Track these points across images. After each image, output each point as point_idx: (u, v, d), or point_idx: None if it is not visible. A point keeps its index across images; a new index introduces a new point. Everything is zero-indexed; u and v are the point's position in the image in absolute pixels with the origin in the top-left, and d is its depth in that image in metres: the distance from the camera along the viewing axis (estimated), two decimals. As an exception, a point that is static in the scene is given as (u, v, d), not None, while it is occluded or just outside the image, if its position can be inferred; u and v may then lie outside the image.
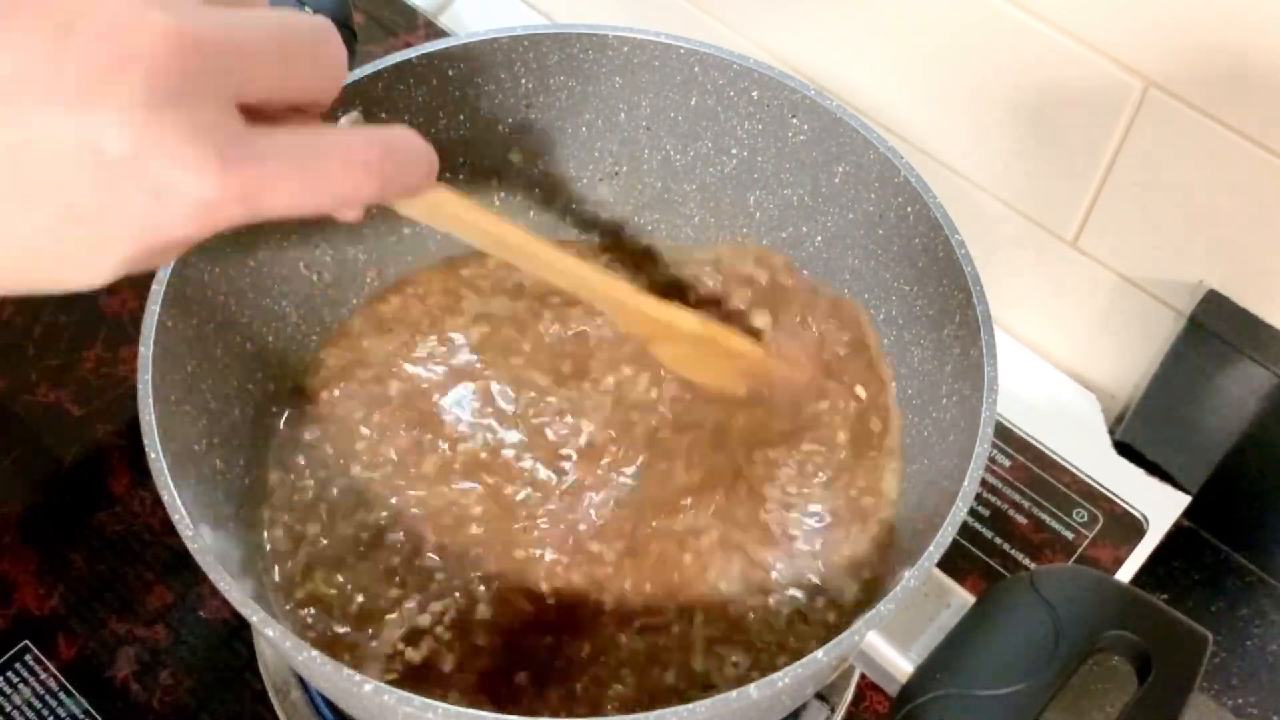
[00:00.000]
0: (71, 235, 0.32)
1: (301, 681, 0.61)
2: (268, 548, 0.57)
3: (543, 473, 0.59)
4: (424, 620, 0.55)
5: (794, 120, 0.59)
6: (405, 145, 0.38)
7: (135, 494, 0.67)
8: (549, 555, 0.56)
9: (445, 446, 0.59)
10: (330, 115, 0.38)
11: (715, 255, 0.66)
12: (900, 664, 0.46)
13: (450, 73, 0.60)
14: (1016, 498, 0.70)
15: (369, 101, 0.59)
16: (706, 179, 0.64)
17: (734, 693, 0.43)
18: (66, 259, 0.32)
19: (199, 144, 0.31)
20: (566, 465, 0.59)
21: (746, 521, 0.57)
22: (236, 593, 0.44)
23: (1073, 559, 0.68)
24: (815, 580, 0.56)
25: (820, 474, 0.59)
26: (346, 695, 0.46)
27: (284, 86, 0.34)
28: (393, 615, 0.55)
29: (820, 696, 0.61)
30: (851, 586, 0.56)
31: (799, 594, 0.56)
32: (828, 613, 0.55)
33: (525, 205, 0.66)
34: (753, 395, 0.61)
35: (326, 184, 0.35)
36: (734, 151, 0.62)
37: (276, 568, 0.56)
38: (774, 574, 0.56)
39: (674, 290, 0.65)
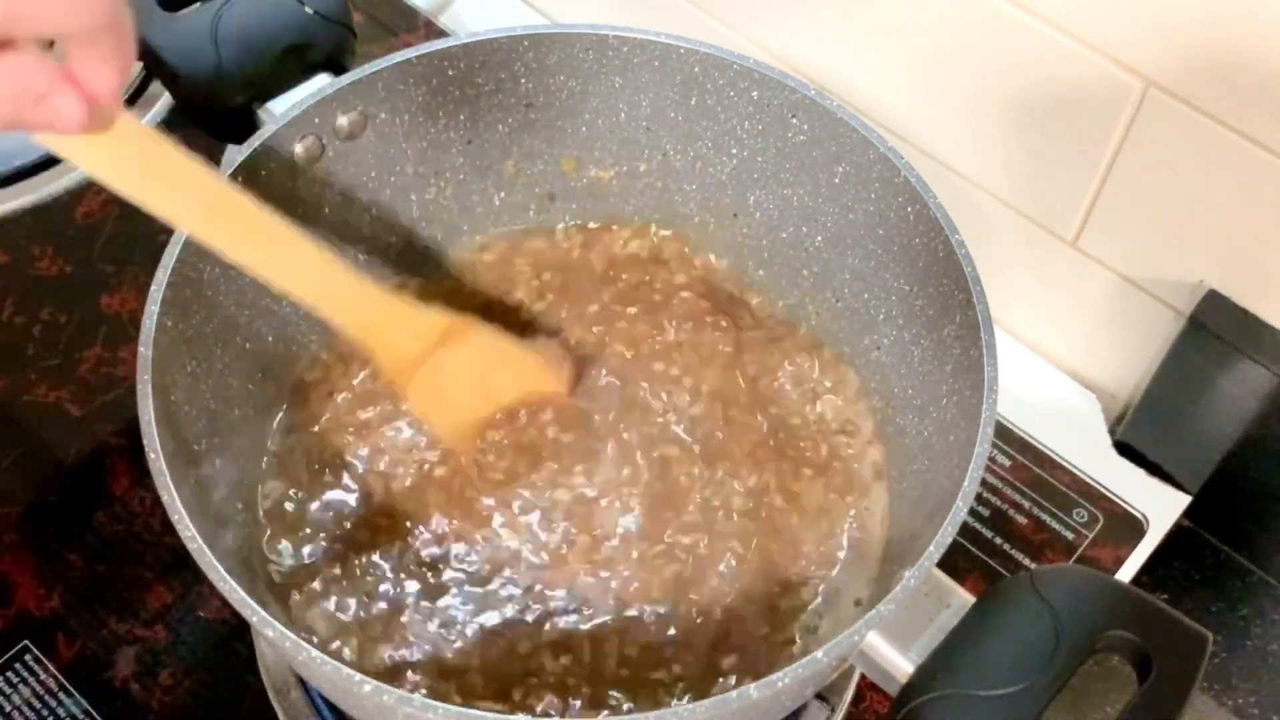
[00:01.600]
0: None
1: (301, 681, 0.61)
2: (267, 548, 0.57)
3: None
4: (422, 619, 0.55)
5: (794, 120, 0.59)
6: (20, 68, 0.36)
7: (135, 494, 0.67)
8: (548, 555, 0.56)
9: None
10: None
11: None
12: (900, 664, 0.46)
13: (450, 73, 0.60)
14: (1016, 498, 0.70)
15: (369, 101, 0.59)
16: (706, 179, 0.64)
17: (734, 693, 0.43)
18: None
19: None
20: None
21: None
22: (236, 593, 0.44)
23: (1073, 559, 0.68)
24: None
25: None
26: (346, 695, 0.46)
27: None
28: (392, 613, 0.55)
29: (820, 697, 0.61)
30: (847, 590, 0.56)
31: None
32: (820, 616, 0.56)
33: (525, 205, 0.66)
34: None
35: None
36: (734, 151, 0.62)
37: (276, 568, 0.56)
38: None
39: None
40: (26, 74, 0.35)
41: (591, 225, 0.67)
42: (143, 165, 0.43)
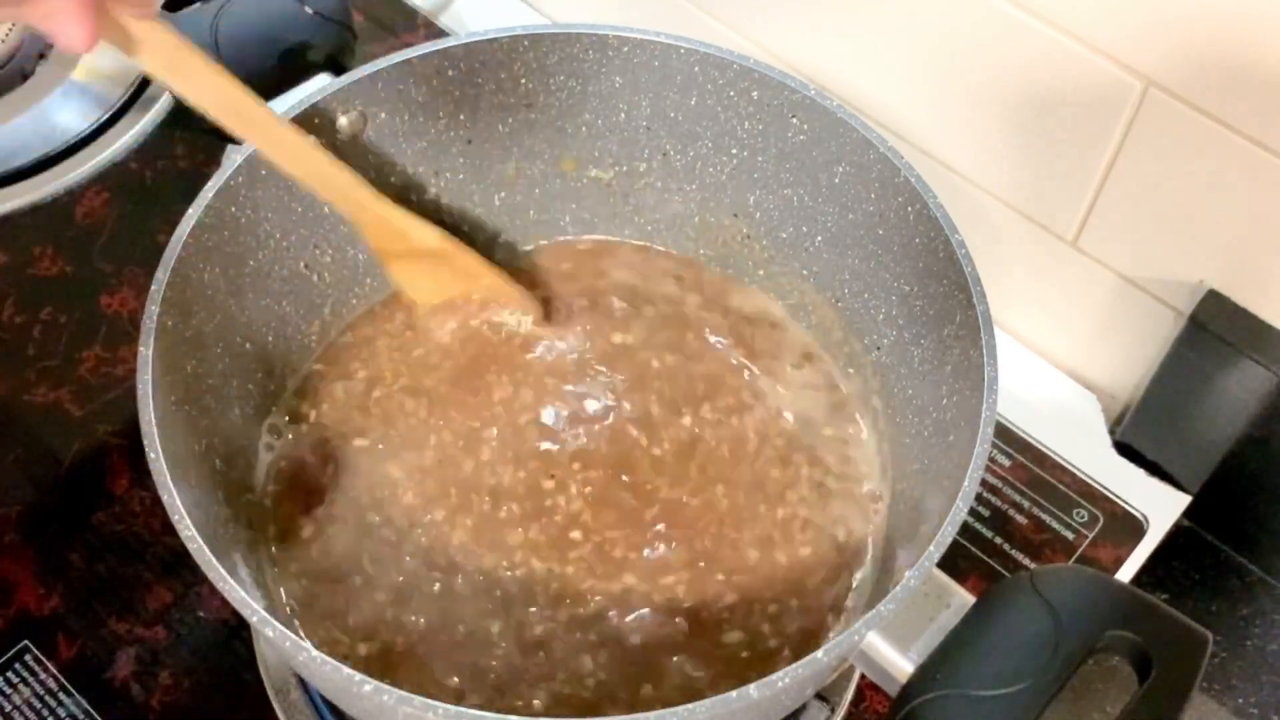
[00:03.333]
0: None
1: (301, 681, 0.61)
2: (268, 548, 0.57)
3: (539, 472, 0.59)
4: (420, 617, 0.55)
5: (794, 120, 0.59)
6: None
7: (135, 494, 0.67)
8: (542, 557, 0.57)
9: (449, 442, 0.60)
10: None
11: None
12: (900, 664, 0.46)
13: (450, 73, 0.60)
14: (1016, 498, 0.70)
15: (369, 101, 0.59)
16: (706, 179, 0.64)
17: (734, 693, 0.43)
18: None
19: None
20: (563, 468, 0.59)
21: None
22: (236, 593, 0.44)
23: (1073, 559, 0.68)
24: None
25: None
26: (346, 695, 0.46)
27: None
28: (391, 613, 0.55)
29: (820, 696, 0.61)
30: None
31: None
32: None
33: (525, 205, 0.66)
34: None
35: None
36: (734, 151, 0.62)
37: (277, 568, 0.56)
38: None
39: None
40: None
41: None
42: (171, 66, 0.49)
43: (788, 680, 0.43)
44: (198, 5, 0.61)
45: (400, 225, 0.57)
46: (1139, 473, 0.71)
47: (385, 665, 0.54)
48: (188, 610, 0.64)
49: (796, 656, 0.53)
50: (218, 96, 0.50)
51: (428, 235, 0.58)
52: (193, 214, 0.53)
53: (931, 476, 0.54)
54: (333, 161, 0.54)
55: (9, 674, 0.62)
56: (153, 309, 0.50)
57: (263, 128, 0.52)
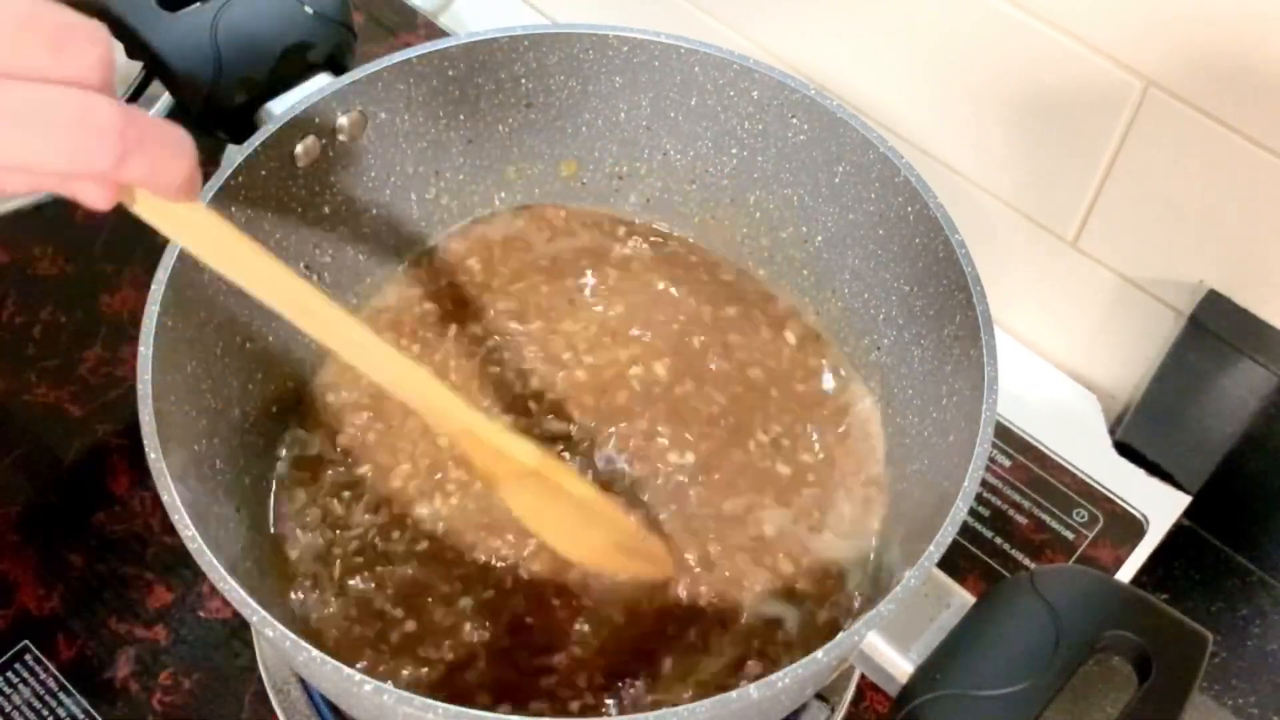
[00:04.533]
0: None
1: (301, 681, 0.61)
2: (267, 547, 0.57)
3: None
4: (418, 617, 0.55)
5: (794, 120, 0.59)
6: (161, 132, 0.36)
7: (135, 494, 0.67)
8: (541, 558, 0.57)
9: (446, 444, 0.59)
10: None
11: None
12: (900, 664, 0.46)
13: (450, 73, 0.60)
14: (1016, 498, 0.70)
15: (369, 101, 0.59)
16: (706, 179, 0.64)
17: (734, 693, 0.43)
18: None
19: None
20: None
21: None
22: (236, 592, 0.44)
23: (1073, 559, 0.68)
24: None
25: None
26: (346, 695, 0.46)
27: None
28: (390, 612, 0.55)
29: (820, 696, 0.61)
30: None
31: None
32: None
33: (525, 205, 0.66)
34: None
35: (55, 136, 0.34)
36: (734, 151, 0.62)
37: (277, 568, 0.56)
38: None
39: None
40: (125, 112, 0.35)
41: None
42: (218, 251, 0.42)
43: (787, 680, 0.43)
44: (197, 5, 0.61)
45: (489, 437, 0.48)
46: (1139, 473, 0.71)
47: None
48: (188, 610, 0.64)
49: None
50: (275, 290, 0.43)
51: (522, 451, 0.49)
52: (193, 214, 0.53)
53: (931, 476, 0.54)
54: (414, 366, 0.47)
55: (9, 674, 0.62)
56: (153, 309, 0.50)
57: (329, 324, 0.44)
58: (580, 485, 0.52)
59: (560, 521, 0.52)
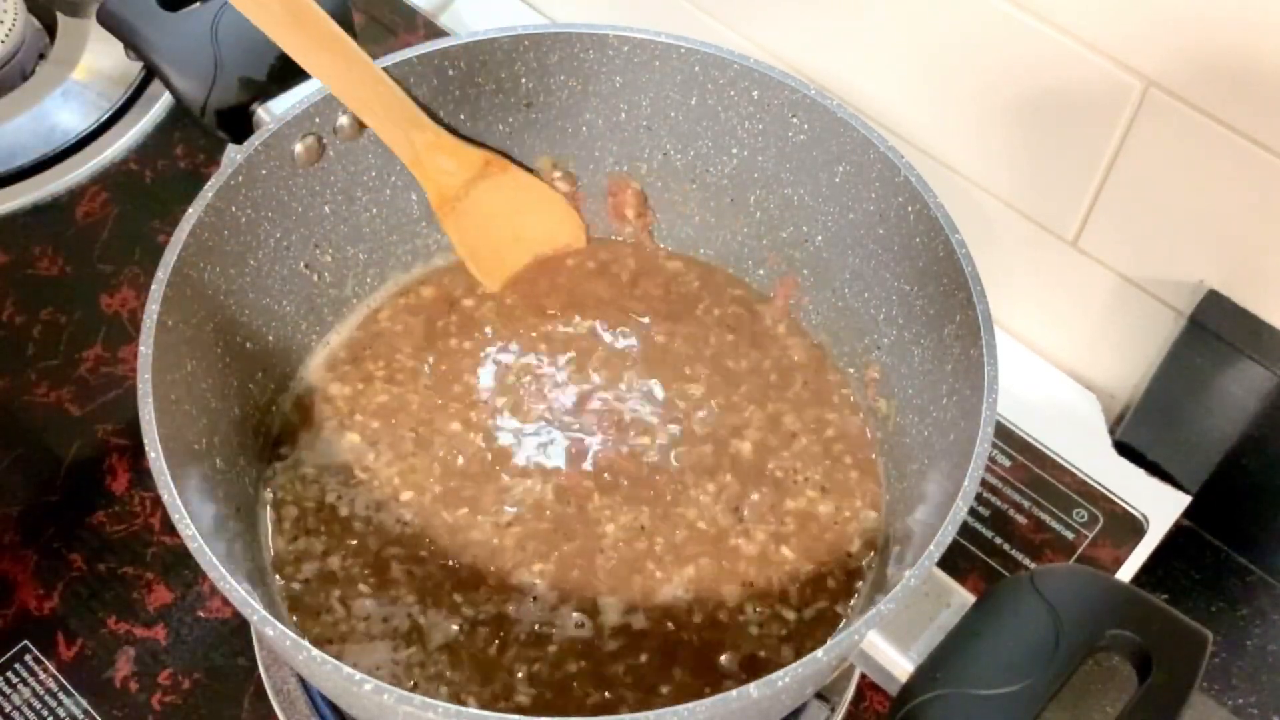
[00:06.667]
0: None
1: (301, 681, 0.61)
2: (268, 547, 0.57)
3: (543, 479, 0.59)
4: (416, 616, 0.55)
5: (794, 120, 0.59)
6: None
7: (135, 494, 0.67)
8: (541, 556, 0.57)
9: (445, 448, 0.59)
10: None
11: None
12: (900, 664, 0.46)
13: (450, 73, 0.60)
14: (1016, 498, 0.70)
15: (369, 101, 0.59)
16: (706, 179, 0.64)
17: (734, 692, 0.43)
18: None
19: None
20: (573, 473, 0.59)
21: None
22: (236, 592, 0.44)
23: (1073, 559, 0.68)
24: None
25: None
26: (346, 695, 0.46)
27: None
28: (390, 611, 0.55)
29: (820, 696, 0.61)
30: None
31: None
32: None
33: (525, 205, 0.66)
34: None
35: None
36: (734, 151, 0.62)
37: (277, 568, 0.56)
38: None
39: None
40: None
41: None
42: None
43: (787, 680, 0.43)
44: (197, 5, 0.61)
45: (450, 143, 0.60)
46: (1139, 473, 0.71)
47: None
48: (188, 610, 0.64)
49: (797, 655, 0.53)
50: None
51: (475, 150, 0.61)
52: (193, 214, 0.53)
53: (932, 477, 0.54)
54: (373, 66, 0.56)
55: (9, 674, 0.62)
56: (153, 309, 0.50)
57: (315, 31, 0.54)
58: (522, 174, 0.63)
59: (494, 249, 0.64)
